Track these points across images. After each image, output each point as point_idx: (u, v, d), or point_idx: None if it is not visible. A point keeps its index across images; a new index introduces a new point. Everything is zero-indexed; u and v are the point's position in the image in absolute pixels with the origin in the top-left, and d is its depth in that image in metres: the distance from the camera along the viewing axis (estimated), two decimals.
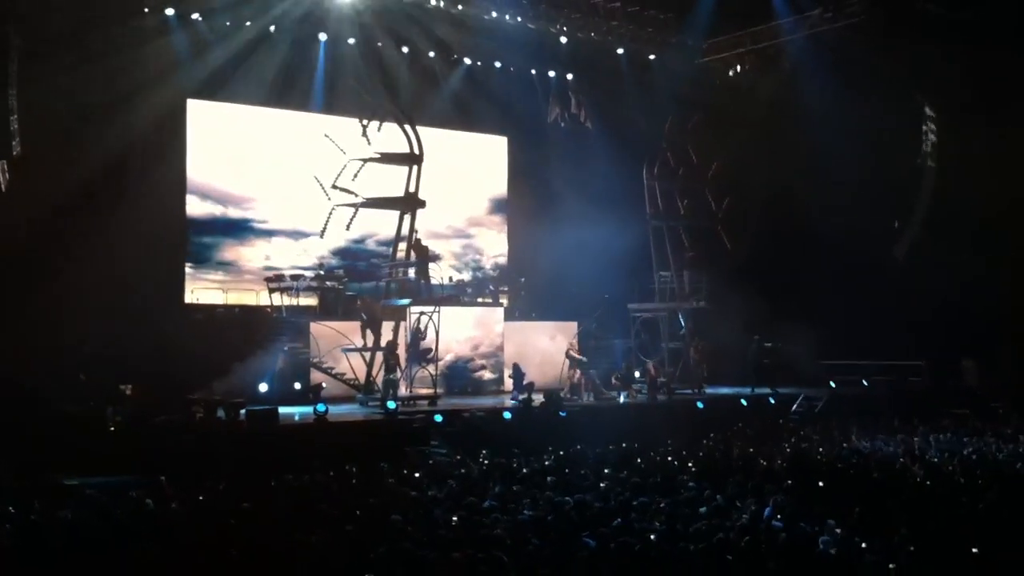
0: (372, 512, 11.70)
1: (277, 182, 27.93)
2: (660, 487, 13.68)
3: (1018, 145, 27.08)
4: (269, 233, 28.26)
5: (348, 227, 24.55)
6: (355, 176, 23.76)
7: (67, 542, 10.61)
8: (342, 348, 23.74)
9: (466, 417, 21.48)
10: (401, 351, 23.60)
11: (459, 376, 26.90)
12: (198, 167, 27.09)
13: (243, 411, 19.54)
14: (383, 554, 9.46)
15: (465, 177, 31.44)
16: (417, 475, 15.40)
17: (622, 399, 25.24)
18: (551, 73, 31.64)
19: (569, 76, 31.59)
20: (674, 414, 24.21)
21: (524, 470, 15.73)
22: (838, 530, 10.67)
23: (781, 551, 9.82)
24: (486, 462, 17.09)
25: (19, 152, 22.17)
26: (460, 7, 27.57)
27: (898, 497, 12.76)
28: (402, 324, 24.10)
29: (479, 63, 30.68)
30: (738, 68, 31.40)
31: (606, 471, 15.23)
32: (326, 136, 24.60)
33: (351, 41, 27.80)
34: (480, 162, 32.34)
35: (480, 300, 28.36)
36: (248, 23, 26.30)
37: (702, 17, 29.65)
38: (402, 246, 24.56)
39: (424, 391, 23.90)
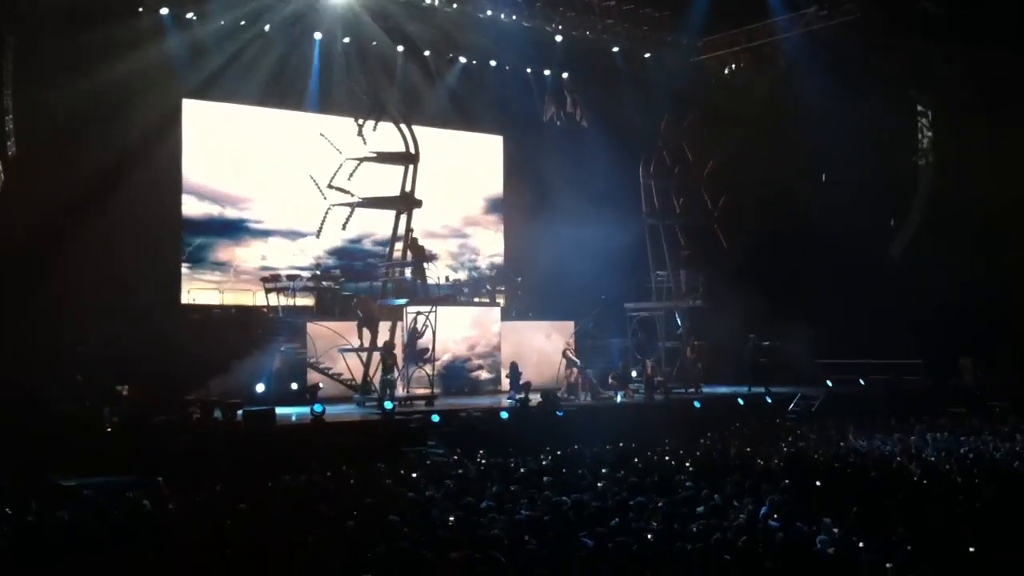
0: (369, 512, 11.69)
1: (273, 182, 27.89)
2: (657, 487, 13.67)
3: (1018, 145, 27.08)
4: (265, 233, 28.23)
5: (344, 227, 24.55)
6: (351, 176, 23.74)
7: (64, 543, 10.59)
8: (339, 348, 23.72)
9: (463, 417, 21.49)
10: (398, 351, 23.60)
11: (456, 376, 26.91)
12: (194, 167, 27.06)
13: (240, 412, 19.52)
14: (381, 554, 9.45)
15: (461, 176, 31.43)
16: (414, 475, 15.39)
17: (619, 399, 25.23)
18: (547, 72, 31.58)
19: (565, 75, 31.55)
20: (671, 413, 24.21)
21: (521, 470, 15.73)
22: (835, 529, 10.67)
23: (778, 550, 9.82)
24: (483, 462, 17.09)
25: (15, 152, 22.15)
26: (455, 5, 27.53)
27: (895, 496, 12.76)
28: (399, 324, 24.10)
29: (475, 62, 30.64)
30: (733, 66, 31.36)
31: (603, 471, 15.23)
32: (322, 136, 24.60)
33: (346, 40, 27.76)
34: (476, 161, 32.32)
35: (477, 300, 28.37)
36: (243, 22, 26.23)
37: (697, 15, 29.57)
38: (398, 246, 24.56)
39: (421, 391, 23.90)
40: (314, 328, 24.36)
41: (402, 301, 24.19)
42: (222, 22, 26.05)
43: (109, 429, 18.49)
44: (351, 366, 23.76)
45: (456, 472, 15.72)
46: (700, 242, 29.08)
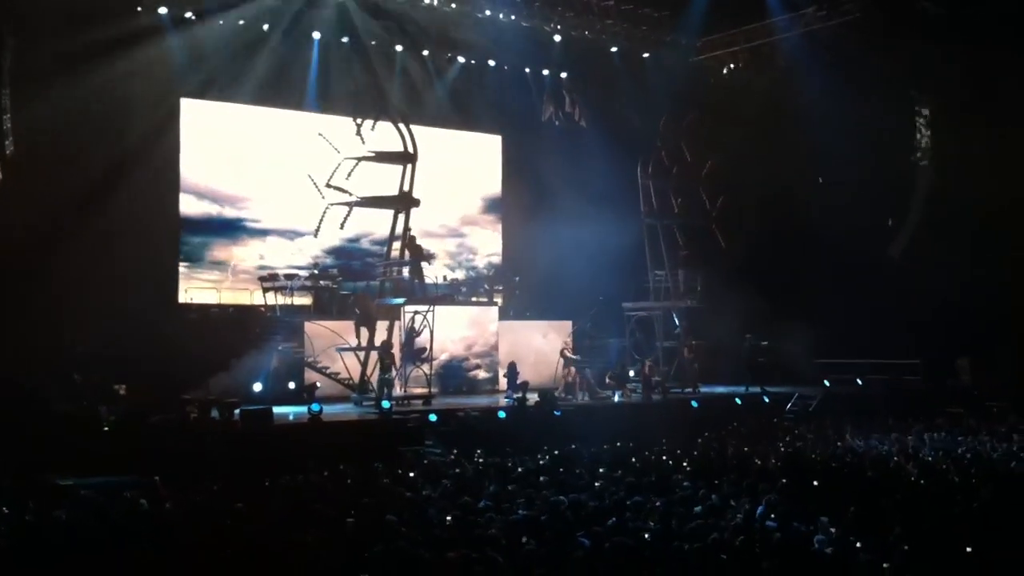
0: (367, 512, 11.69)
1: (271, 181, 27.86)
2: (655, 486, 13.68)
3: (1018, 145, 27.08)
4: (263, 232, 28.20)
5: (342, 226, 24.56)
6: (349, 175, 23.74)
7: (62, 543, 10.58)
8: (336, 348, 23.72)
9: (461, 417, 21.50)
10: (396, 350, 23.60)
11: (454, 375, 26.92)
12: (192, 166, 27.02)
13: (237, 411, 19.51)
14: (378, 554, 9.45)
15: (459, 176, 31.40)
16: (412, 475, 15.39)
17: (617, 398, 25.25)
18: (545, 71, 31.59)
19: (563, 74, 31.55)
20: (669, 413, 24.22)
21: (519, 469, 15.73)
22: (832, 529, 10.68)
23: (775, 550, 9.82)
24: (481, 461, 17.10)
25: (13, 152, 22.13)
26: (454, 5, 27.54)
27: (892, 496, 12.76)
28: (396, 323, 24.10)
29: (473, 61, 30.64)
30: (732, 66, 31.38)
31: (601, 470, 15.23)
32: (320, 135, 24.61)
33: (345, 40, 27.76)
34: (474, 161, 32.30)
35: (475, 299, 28.35)
36: (241, 22, 26.23)
37: (696, 15, 29.60)
38: (396, 245, 24.57)
39: (419, 390, 23.92)
40: (312, 327, 24.35)
41: (400, 300, 24.20)
42: (221, 21, 26.04)
43: (106, 428, 18.50)
44: (349, 365, 23.77)
45: (453, 472, 15.72)
46: (698, 242, 29.08)
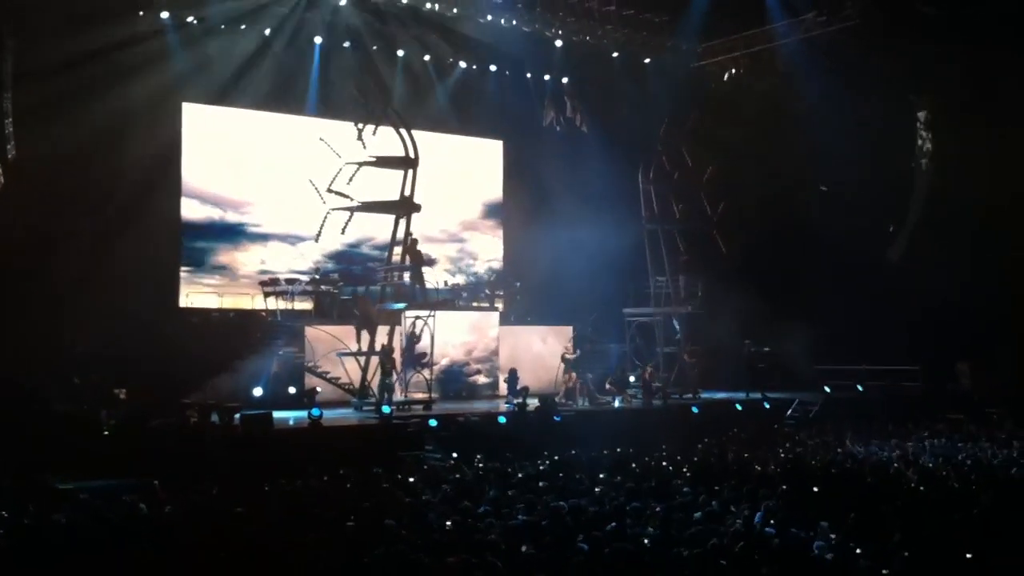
0: (367, 516, 11.69)
1: (272, 186, 27.88)
2: (655, 492, 13.67)
3: (1018, 145, 27.06)
4: (264, 237, 28.21)
5: (343, 231, 24.61)
6: (350, 180, 23.78)
7: (61, 546, 10.58)
8: (337, 352, 23.72)
9: (461, 422, 21.50)
10: (396, 355, 23.61)
11: (454, 380, 26.90)
12: (193, 171, 27.04)
13: (238, 415, 19.53)
14: (377, 558, 9.45)
15: (460, 181, 31.41)
16: (412, 479, 15.39)
17: (617, 404, 25.25)
18: (546, 76, 31.60)
19: (565, 79, 31.56)
20: (669, 419, 24.23)
21: (519, 475, 15.72)
22: (832, 535, 10.67)
23: (775, 556, 9.81)
24: (481, 466, 17.08)
25: (14, 155, 22.14)
26: (455, 11, 27.55)
27: (892, 502, 12.75)
28: (397, 328, 24.11)
29: (474, 67, 30.67)
30: (733, 72, 31.40)
31: (601, 476, 15.22)
32: (321, 140, 24.63)
33: (346, 45, 27.79)
34: (475, 166, 32.31)
35: (475, 304, 28.35)
36: (243, 26, 26.27)
37: (696, 21, 29.66)
38: (397, 250, 24.59)
39: (419, 395, 23.91)
40: (312, 332, 24.36)
41: (401, 305, 24.21)
42: (222, 26, 26.07)
43: (106, 432, 18.50)
44: (349, 370, 23.78)
45: (453, 476, 15.71)
46: (699, 248, 29.10)
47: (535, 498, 12.91)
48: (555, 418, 22.53)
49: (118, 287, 23.14)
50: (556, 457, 18.00)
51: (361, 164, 23.91)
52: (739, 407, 25.79)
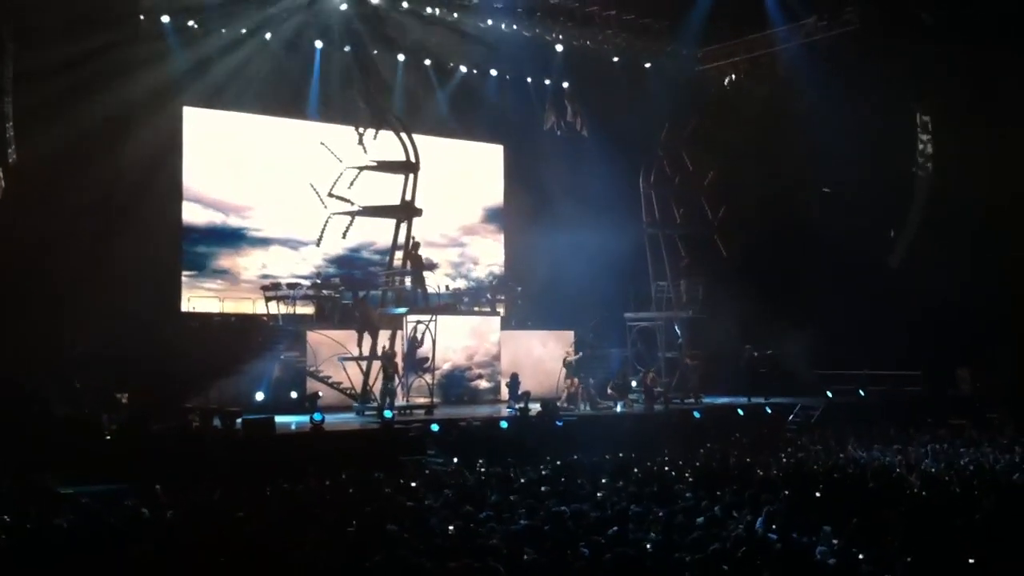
0: (368, 521, 11.68)
1: (273, 190, 27.91)
2: (657, 497, 13.65)
3: (1018, 145, 27.03)
4: (265, 241, 28.24)
5: (344, 235, 24.59)
6: (351, 184, 23.79)
7: (62, 548, 10.58)
8: (339, 357, 23.71)
9: (463, 426, 21.49)
10: (398, 359, 23.61)
11: (456, 385, 26.92)
12: (194, 175, 27.07)
13: (239, 420, 19.53)
14: (379, 563, 9.44)
15: (461, 185, 31.44)
16: (413, 484, 15.37)
17: (619, 408, 25.24)
18: (547, 81, 31.63)
19: (565, 84, 31.59)
20: (671, 423, 24.22)
21: (521, 480, 15.71)
22: (835, 540, 10.65)
23: (777, 561, 9.80)
24: (483, 471, 17.07)
25: (15, 159, 22.15)
26: (456, 15, 27.58)
27: (895, 507, 12.73)
28: (399, 333, 24.11)
29: (475, 71, 30.72)
30: (733, 76, 31.41)
31: (603, 481, 15.21)
32: (322, 144, 24.64)
33: (347, 49, 27.81)
34: (476, 170, 32.34)
35: (477, 309, 28.36)
36: (244, 31, 26.29)
37: (696, 25, 29.67)
38: (399, 254, 24.59)
39: (421, 400, 23.91)
40: (314, 336, 24.38)
41: (402, 310, 24.21)
42: (223, 30, 26.10)
43: (108, 436, 18.50)
44: (351, 375, 23.77)
45: (455, 481, 15.70)
46: (700, 251, 29.11)
47: (537, 503, 12.90)
48: (557, 423, 22.52)
49: (119, 290, 23.10)
50: (558, 462, 17.98)
51: (362, 168, 23.93)
52: (741, 412, 25.80)
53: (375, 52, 28.25)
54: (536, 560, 9.70)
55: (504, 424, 22.16)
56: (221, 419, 19.64)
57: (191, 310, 26.56)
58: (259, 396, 22.71)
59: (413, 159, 24.29)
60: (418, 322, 24.21)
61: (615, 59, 30.70)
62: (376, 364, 23.30)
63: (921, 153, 30.73)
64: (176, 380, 21.62)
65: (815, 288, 28.59)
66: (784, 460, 18.56)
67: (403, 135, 24.45)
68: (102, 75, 22.94)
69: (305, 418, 20.69)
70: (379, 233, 26.95)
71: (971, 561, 9.87)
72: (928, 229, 29.60)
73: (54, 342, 21.87)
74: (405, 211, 24.25)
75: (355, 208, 24.02)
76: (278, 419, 20.15)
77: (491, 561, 9.37)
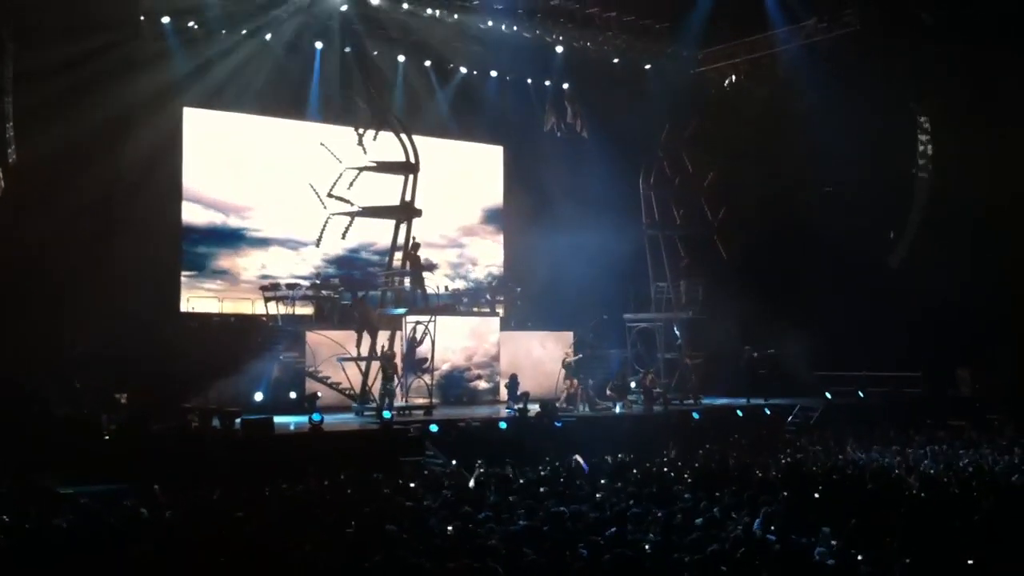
0: (367, 521, 11.68)
1: (273, 191, 27.91)
2: (656, 497, 13.65)
3: (1017, 145, 27.02)
4: (265, 242, 28.24)
5: (344, 236, 24.59)
6: (351, 185, 23.80)
7: (62, 547, 10.59)
8: (338, 358, 23.72)
9: (462, 427, 21.49)
10: (397, 360, 23.61)
11: (455, 386, 26.92)
12: (194, 175, 27.07)
13: (238, 420, 19.53)
14: (378, 563, 9.44)
15: (461, 186, 31.44)
16: (412, 484, 15.37)
17: (618, 409, 25.24)
18: (547, 82, 31.63)
19: (565, 85, 31.58)
20: (670, 424, 24.22)
21: (520, 480, 15.71)
22: (833, 541, 10.65)
23: (776, 562, 9.80)
24: (482, 472, 17.06)
25: (15, 159, 22.15)
26: (456, 16, 27.57)
27: (894, 509, 12.73)
28: (398, 333, 24.11)
29: (475, 72, 30.70)
30: (733, 78, 31.42)
31: (602, 481, 15.21)
32: (322, 145, 24.63)
33: (347, 50, 27.80)
34: (476, 171, 32.34)
35: (476, 309, 28.36)
36: (244, 31, 26.29)
37: (697, 27, 29.69)
38: (398, 255, 24.59)
39: (420, 401, 23.91)
40: (313, 337, 24.38)
41: (401, 311, 24.21)
42: (223, 31, 26.10)
43: (107, 436, 18.51)
44: (350, 375, 23.77)
45: (454, 482, 15.69)
46: (700, 253, 29.11)
47: (536, 503, 12.90)
48: (556, 424, 22.52)
49: (118, 290, 23.13)
50: (557, 463, 17.97)
51: (362, 169, 23.94)
52: (740, 413, 25.80)
53: (375, 53, 28.23)
54: (535, 561, 9.70)
55: (503, 425, 22.16)
56: (220, 419, 19.65)
57: (190, 310, 26.55)
58: (258, 396, 22.70)
59: (413, 160, 24.30)
60: (417, 323, 24.21)
61: (615, 60, 30.70)
62: (375, 365, 23.31)
63: (921, 154, 30.71)
64: (175, 380, 21.64)
65: (815, 289, 28.55)
66: (783, 461, 18.56)
67: (403, 136, 24.46)
68: (102, 75, 22.97)
69: (304, 418, 20.69)
70: (379, 234, 26.94)
71: (970, 562, 9.88)
72: (928, 229, 29.55)
73: (54, 342, 21.90)
74: (405, 212, 24.25)
75: (355, 209, 24.03)
76: (277, 419, 20.17)
77: (490, 562, 9.37)
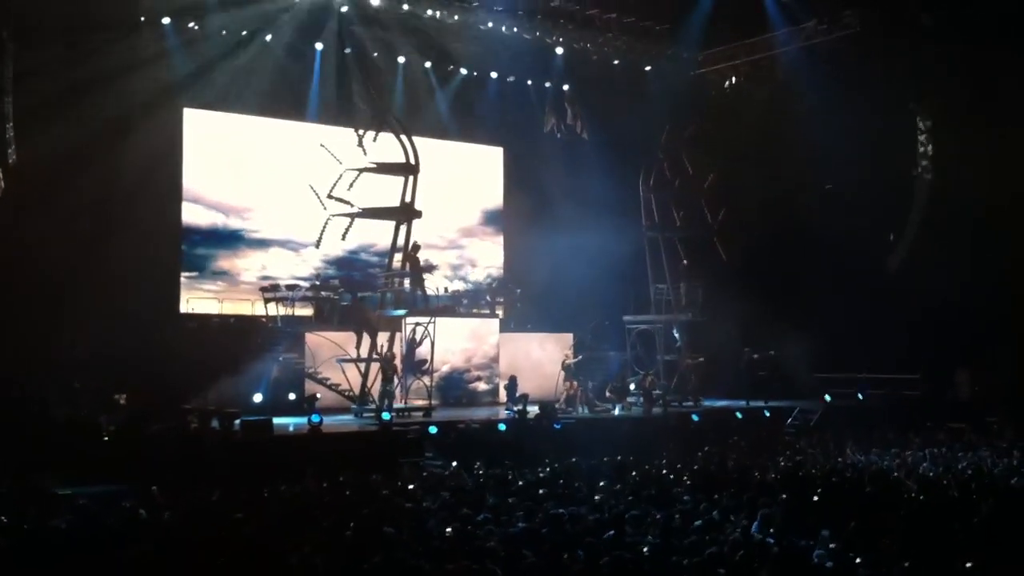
0: (366, 522, 11.68)
1: (273, 192, 27.90)
2: (655, 500, 13.65)
3: (1017, 145, 27.01)
4: (265, 243, 28.23)
5: (344, 237, 24.58)
6: (351, 186, 23.79)
7: (60, 548, 10.59)
8: (337, 359, 23.71)
9: (461, 428, 21.48)
10: (397, 361, 23.61)
11: (454, 387, 26.93)
12: (194, 176, 27.06)
13: (238, 421, 19.53)
14: (377, 564, 9.44)
15: (461, 187, 31.43)
16: (411, 486, 15.37)
17: (617, 411, 25.23)
18: (547, 84, 31.64)
19: (565, 87, 31.58)
20: (669, 427, 24.21)
21: (520, 482, 15.70)
22: (832, 544, 10.65)
23: (774, 565, 9.79)
24: (481, 474, 17.07)
25: (15, 160, 22.16)
26: (456, 17, 27.58)
27: (893, 511, 12.73)
28: (397, 335, 24.10)
29: (475, 73, 30.70)
30: (733, 79, 31.44)
31: (601, 484, 15.20)
32: (322, 146, 24.60)
33: (347, 51, 27.79)
34: (476, 172, 32.34)
35: (475, 311, 28.34)
36: (244, 32, 26.29)
37: (697, 29, 29.71)
38: (398, 256, 24.59)
39: (419, 402, 23.91)
40: (313, 338, 24.37)
41: (401, 312, 24.20)
42: (224, 32, 26.10)
43: (106, 437, 18.50)
44: (349, 377, 23.76)
45: (453, 484, 15.69)
46: (700, 255, 29.11)
47: (535, 505, 12.89)
48: (555, 425, 22.51)
49: (118, 291, 23.11)
50: (556, 465, 17.96)
51: (362, 170, 23.93)
52: (739, 415, 25.79)
53: (375, 54, 28.24)
54: (534, 563, 9.70)
55: (502, 426, 22.15)
56: (219, 420, 19.65)
57: (190, 311, 26.54)
58: (257, 397, 22.67)
59: (413, 161, 24.30)
60: (417, 324, 24.21)
61: (615, 62, 30.72)
62: (375, 366, 23.30)
63: (921, 154, 30.70)
64: (174, 381, 21.63)
65: (815, 290, 28.53)
66: (782, 463, 18.55)
67: (403, 137, 24.46)
68: (102, 76, 22.99)
69: (303, 420, 20.68)
70: (378, 235, 26.93)
71: (969, 565, 9.87)
72: (928, 229, 29.53)
73: (53, 342, 21.88)
74: (404, 213, 24.24)
75: (354, 210, 24.02)
76: (276, 421, 20.16)
77: (489, 563, 9.38)
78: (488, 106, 31.26)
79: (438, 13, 27.22)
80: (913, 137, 30.74)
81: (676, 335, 28.62)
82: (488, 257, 32.70)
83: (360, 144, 24.14)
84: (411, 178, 24.24)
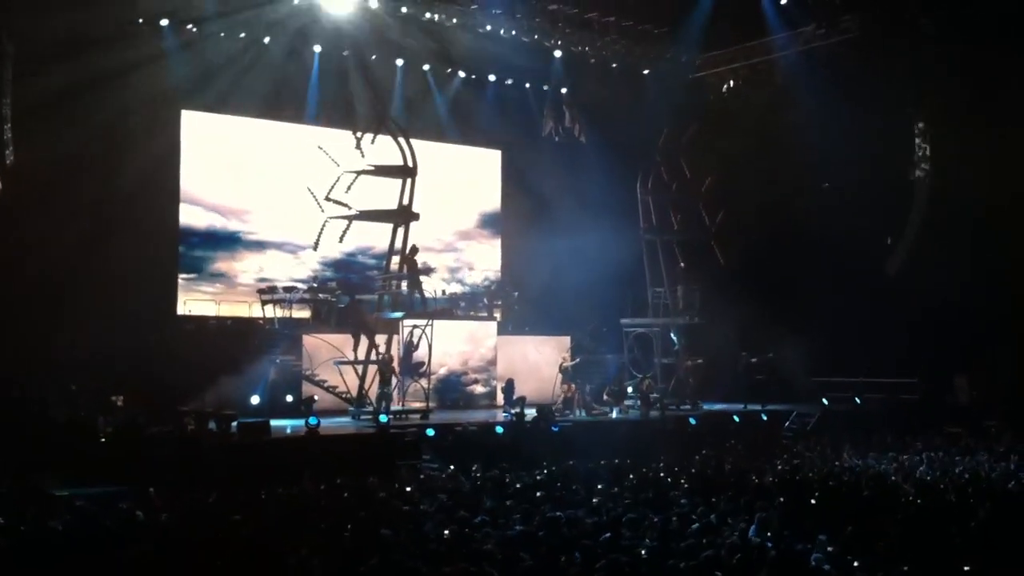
0: (363, 525, 11.68)
1: (271, 194, 27.89)
2: (652, 503, 13.65)
3: (1017, 145, 27.01)
4: (262, 245, 28.21)
5: (341, 239, 24.57)
6: (348, 188, 23.79)
7: (58, 549, 10.59)
8: (335, 361, 23.69)
9: (458, 431, 21.47)
10: (394, 364, 23.61)
11: (451, 390, 26.93)
12: (192, 178, 27.05)
13: (235, 423, 19.51)
14: (374, 567, 9.44)
15: (459, 190, 31.44)
16: (408, 488, 15.37)
17: (614, 414, 25.24)
18: (545, 87, 31.65)
19: (563, 90, 31.58)
20: (667, 430, 24.21)
21: (517, 485, 15.70)
22: (830, 547, 10.66)
23: (771, 568, 9.80)
24: (478, 476, 17.07)
25: (13, 161, 22.15)
26: (455, 20, 27.59)
27: (890, 515, 12.74)
28: (395, 337, 24.10)
29: (473, 76, 30.71)
30: (731, 83, 31.44)
31: (599, 487, 15.20)
32: (320, 148, 24.61)
33: (345, 53, 27.81)
34: (474, 175, 32.34)
35: (473, 314, 28.34)
36: (242, 35, 26.27)
37: (695, 32, 29.69)
38: (395, 259, 24.59)
39: (416, 405, 23.91)
40: (310, 340, 24.35)
41: (398, 314, 24.20)
42: (222, 34, 26.08)
43: (103, 439, 18.49)
44: (346, 379, 23.74)
45: (450, 486, 15.69)
46: (697, 258, 29.11)
47: (532, 508, 12.89)
48: (552, 428, 22.50)
49: (116, 292, 23.11)
50: (553, 468, 17.96)
51: (359, 173, 23.92)
52: (737, 419, 25.78)
53: (374, 57, 28.26)
54: (531, 566, 9.70)
55: (500, 429, 22.15)
56: (217, 422, 19.64)
57: (187, 313, 26.52)
58: (255, 400, 22.68)
59: (411, 164, 24.31)
60: (414, 326, 24.20)
61: (614, 65, 30.72)
62: (372, 368, 23.30)
63: (920, 156, 30.69)
64: (172, 383, 21.63)
65: (813, 294, 28.51)
66: (780, 467, 18.55)
67: (401, 140, 24.47)
68: (101, 78, 22.99)
69: (300, 422, 20.66)
70: (376, 237, 26.93)
71: (966, 569, 9.89)
72: (928, 229, 29.49)
73: (51, 344, 21.86)
74: (402, 215, 24.25)
75: (352, 212, 24.01)
76: (274, 423, 20.15)
77: (486, 566, 9.38)
78: (486, 109, 31.26)
79: (436, 16, 27.22)
80: (912, 138, 30.73)
81: (674, 338, 28.61)
82: (486, 260, 32.70)
83: (358, 146, 24.13)
84: (409, 180, 24.26)
